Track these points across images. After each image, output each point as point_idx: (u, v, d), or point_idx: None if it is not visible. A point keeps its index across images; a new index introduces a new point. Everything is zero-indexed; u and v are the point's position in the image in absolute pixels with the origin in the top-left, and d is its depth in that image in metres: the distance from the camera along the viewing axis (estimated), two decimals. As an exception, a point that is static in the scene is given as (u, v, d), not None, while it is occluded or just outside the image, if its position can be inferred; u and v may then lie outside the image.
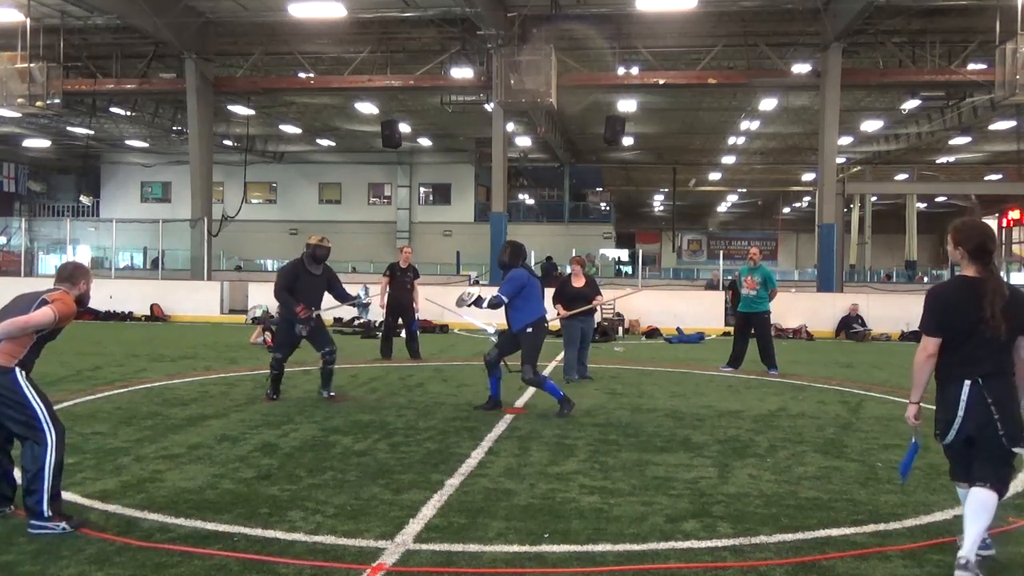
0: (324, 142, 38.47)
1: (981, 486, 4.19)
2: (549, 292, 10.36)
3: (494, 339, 9.14)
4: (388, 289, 13.00)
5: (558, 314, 10.91)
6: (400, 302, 12.97)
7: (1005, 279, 4.70)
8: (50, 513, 4.55)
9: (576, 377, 10.79)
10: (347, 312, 20.18)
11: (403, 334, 13.34)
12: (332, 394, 9.12)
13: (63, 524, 4.54)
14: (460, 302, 8.75)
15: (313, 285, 9.14)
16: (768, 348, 12.13)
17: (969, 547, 4.09)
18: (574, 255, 11.16)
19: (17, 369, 4.73)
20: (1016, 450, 4.21)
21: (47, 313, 4.67)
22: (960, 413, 4.19)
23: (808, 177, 43.06)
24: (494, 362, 8.65)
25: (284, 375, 9.18)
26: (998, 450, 4.21)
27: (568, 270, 28.86)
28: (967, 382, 4.18)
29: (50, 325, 4.71)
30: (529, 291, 8.47)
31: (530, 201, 47.42)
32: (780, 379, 11.47)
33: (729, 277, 13.43)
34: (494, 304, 8.47)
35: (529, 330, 8.40)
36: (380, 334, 13.86)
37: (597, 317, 18.57)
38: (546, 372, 10.11)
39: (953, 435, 4.26)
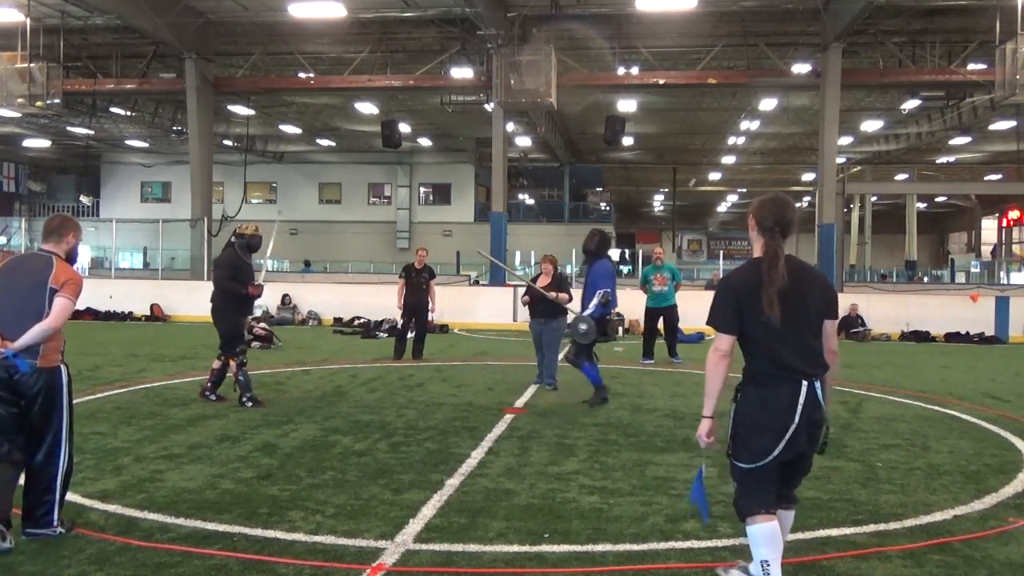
0: (324, 142, 38.47)
1: (788, 507, 3.85)
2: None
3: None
4: (404, 291, 12.92)
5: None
6: (416, 303, 12.95)
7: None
8: (56, 522, 4.48)
9: (550, 383, 10.02)
10: (347, 312, 20.20)
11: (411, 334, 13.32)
12: (254, 400, 8.93)
13: (60, 528, 4.49)
14: (586, 335, 8.72)
15: (250, 275, 8.96)
16: (675, 339, 13.58)
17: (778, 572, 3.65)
18: (545, 255, 10.75)
19: (63, 368, 4.55)
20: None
21: (66, 306, 4.46)
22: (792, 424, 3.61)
23: (808, 177, 43.05)
24: (585, 356, 8.80)
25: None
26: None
27: (568, 270, 28.87)
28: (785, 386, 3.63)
29: (71, 312, 4.51)
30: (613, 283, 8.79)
31: (530, 201, 47.41)
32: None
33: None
34: (608, 303, 8.65)
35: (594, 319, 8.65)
36: (382, 335, 13.87)
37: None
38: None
39: (778, 453, 3.61)
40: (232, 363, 8.61)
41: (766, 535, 3.62)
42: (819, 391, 3.62)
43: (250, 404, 8.50)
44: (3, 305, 4.47)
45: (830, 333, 3.72)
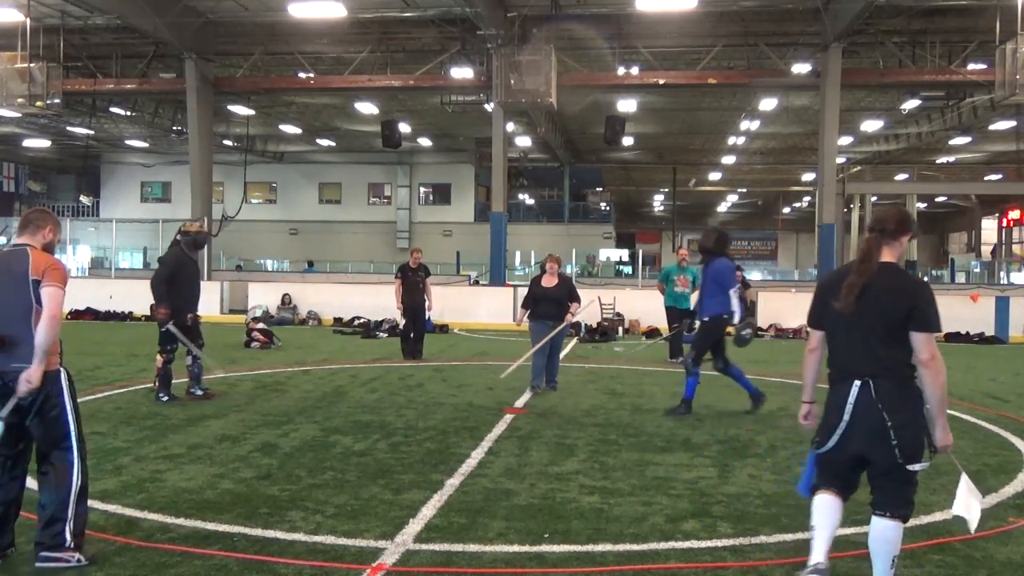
0: (324, 142, 38.46)
1: (882, 515, 3.76)
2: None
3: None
4: (401, 290, 12.95)
5: (518, 318, 10.21)
6: (413, 303, 12.99)
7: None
8: (72, 544, 4.10)
9: (541, 386, 9.76)
10: (347, 312, 20.21)
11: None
12: (204, 391, 9.05)
13: (78, 555, 4.09)
14: (742, 340, 8.70)
15: (194, 273, 8.99)
16: (680, 342, 12.98)
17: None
18: (550, 254, 10.44)
19: (63, 372, 4.25)
20: (913, 467, 3.71)
21: (56, 294, 4.13)
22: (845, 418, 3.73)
23: (808, 177, 43.05)
24: (722, 362, 8.76)
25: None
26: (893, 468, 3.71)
27: (570, 270, 28.87)
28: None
29: (62, 299, 4.21)
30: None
31: (530, 201, 47.41)
32: (780, 379, 11.46)
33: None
34: (742, 300, 8.51)
35: (707, 319, 8.47)
36: (382, 335, 13.88)
37: (591, 318, 18.64)
38: (508, 371, 9.93)
39: (830, 448, 3.79)
40: (160, 358, 8.77)
41: (817, 504, 3.83)
42: (881, 395, 3.66)
43: (165, 399, 8.71)
44: None
45: (920, 345, 3.71)
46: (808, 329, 4.02)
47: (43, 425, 4.16)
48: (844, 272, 3.86)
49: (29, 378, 4.04)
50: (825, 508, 3.80)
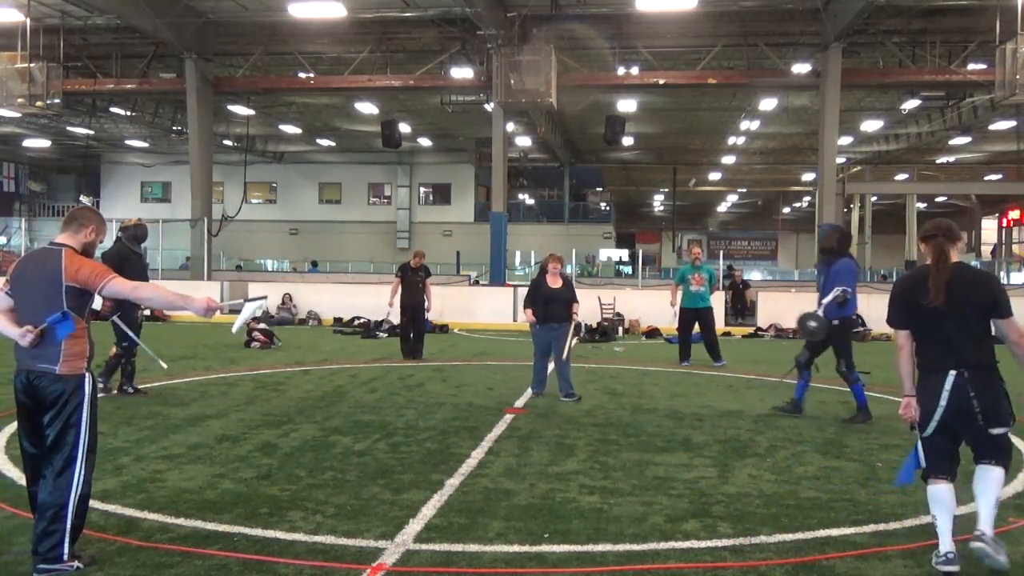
0: (324, 142, 38.49)
1: (988, 463, 4.25)
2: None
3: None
4: (400, 290, 12.98)
5: (528, 318, 9.52)
6: (413, 303, 13.01)
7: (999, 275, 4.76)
8: (68, 556, 3.99)
9: (543, 393, 9.44)
10: (347, 312, 20.21)
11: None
12: (135, 389, 9.07)
13: (76, 563, 4.01)
14: (815, 332, 8.26)
15: (140, 265, 9.10)
16: (715, 341, 12.96)
17: (987, 521, 4.15)
18: (552, 253, 9.96)
19: (87, 377, 4.13)
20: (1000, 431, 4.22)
21: (116, 282, 4.07)
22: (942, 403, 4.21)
23: (808, 177, 43.07)
24: (806, 363, 8.57)
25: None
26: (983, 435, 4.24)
27: (570, 270, 28.84)
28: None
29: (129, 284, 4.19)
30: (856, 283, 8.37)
31: (530, 201, 47.42)
32: (780, 379, 11.45)
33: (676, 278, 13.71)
34: (847, 302, 8.18)
35: (836, 323, 8.25)
36: (382, 335, 13.89)
37: (590, 317, 18.67)
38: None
39: (931, 431, 4.27)
40: (114, 349, 8.91)
41: (934, 496, 4.24)
42: (972, 382, 4.17)
43: (100, 386, 8.75)
44: (24, 312, 4.13)
45: (1007, 330, 4.25)
46: (894, 330, 4.46)
47: (57, 429, 4.04)
48: (921, 274, 4.32)
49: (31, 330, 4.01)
50: (941, 497, 4.20)
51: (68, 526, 3.98)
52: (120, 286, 4.11)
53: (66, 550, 3.98)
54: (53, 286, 4.04)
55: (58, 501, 3.99)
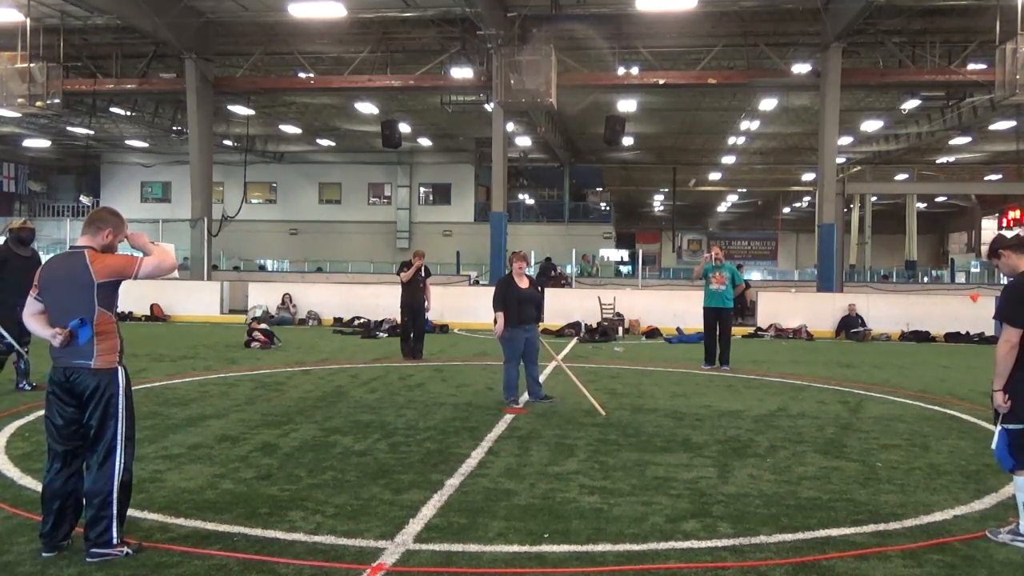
0: (324, 142, 38.47)
1: None
2: (550, 293, 9.97)
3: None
4: (402, 287, 13.03)
5: (496, 323, 9.04)
6: (413, 302, 13.03)
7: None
8: (117, 540, 4.19)
9: (519, 401, 9.00)
10: (347, 312, 20.21)
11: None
12: (33, 385, 9.04)
13: (126, 549, 4.19)
14: None
15: (25, 266, 8.60)
16: (728, 345, 12.59)
17: None
18: (513, 251, 9.52)
19: (121, 370, 4.38)
20: None
21: (149, 261, 4.34)
22: None
23: (808, 177, 43.06)
24: None
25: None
26: None
27: (570, 270, 28.80)
28: None
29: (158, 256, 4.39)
30: None
31: (530, 201, 47.41)
32: (780, 379, 11.47)
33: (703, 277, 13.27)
34: None
35: None
36: (382, 335, 13.89)
37: (590, 317, 18.67)
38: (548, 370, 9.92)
39: None
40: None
41: (1020, 484, 4.57)
42: None
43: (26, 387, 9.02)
44: (56, 314, 4.29)
45: None
46: (1014, 329, 4.65)
47: (97, 421, 4.24)
48: None
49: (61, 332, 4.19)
50: None
51: (115, 512, 4.17)
52: (148, 264, 4.34)
53: (115, 534, 4.16)
54: (84, 287, 4.24)
55: (103, 489, 4.18)
